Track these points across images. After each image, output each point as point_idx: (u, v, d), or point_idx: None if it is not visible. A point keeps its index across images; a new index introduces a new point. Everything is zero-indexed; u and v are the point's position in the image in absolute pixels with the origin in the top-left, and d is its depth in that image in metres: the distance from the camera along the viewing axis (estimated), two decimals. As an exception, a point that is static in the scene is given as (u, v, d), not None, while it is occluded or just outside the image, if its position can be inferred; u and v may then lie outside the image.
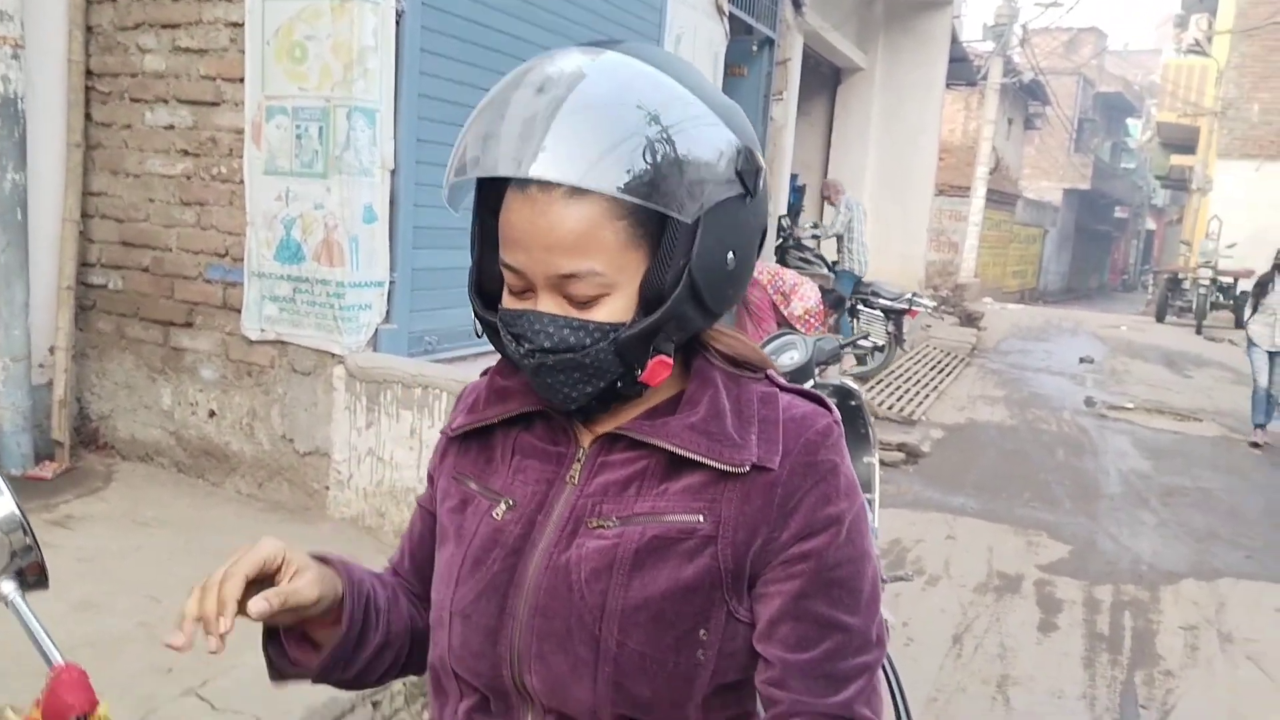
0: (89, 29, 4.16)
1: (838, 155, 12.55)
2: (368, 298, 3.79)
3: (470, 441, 1.02)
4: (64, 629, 2.78)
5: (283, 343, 3.87)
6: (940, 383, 9.61)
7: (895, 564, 4.69)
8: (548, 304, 0.86)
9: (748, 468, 0.89)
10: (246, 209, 3.86)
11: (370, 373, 3.65)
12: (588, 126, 0.80)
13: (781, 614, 0.89)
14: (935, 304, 11.97)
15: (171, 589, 3.12)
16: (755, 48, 7.86)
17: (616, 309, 0.85)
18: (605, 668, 0.88)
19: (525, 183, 0.82)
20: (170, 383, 4.18)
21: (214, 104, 3.90)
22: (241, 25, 3.76)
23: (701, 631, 0.89)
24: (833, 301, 6.94)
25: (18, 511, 0.90)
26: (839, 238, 9.27)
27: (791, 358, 3.71)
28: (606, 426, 0.95)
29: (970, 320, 14.42)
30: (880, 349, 8.68)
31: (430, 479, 1.08)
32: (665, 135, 0.80)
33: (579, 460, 0.95)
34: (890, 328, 8.92)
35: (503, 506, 0.96)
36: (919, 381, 9.32)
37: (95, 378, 4.39)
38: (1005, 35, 17.57)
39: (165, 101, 4.03)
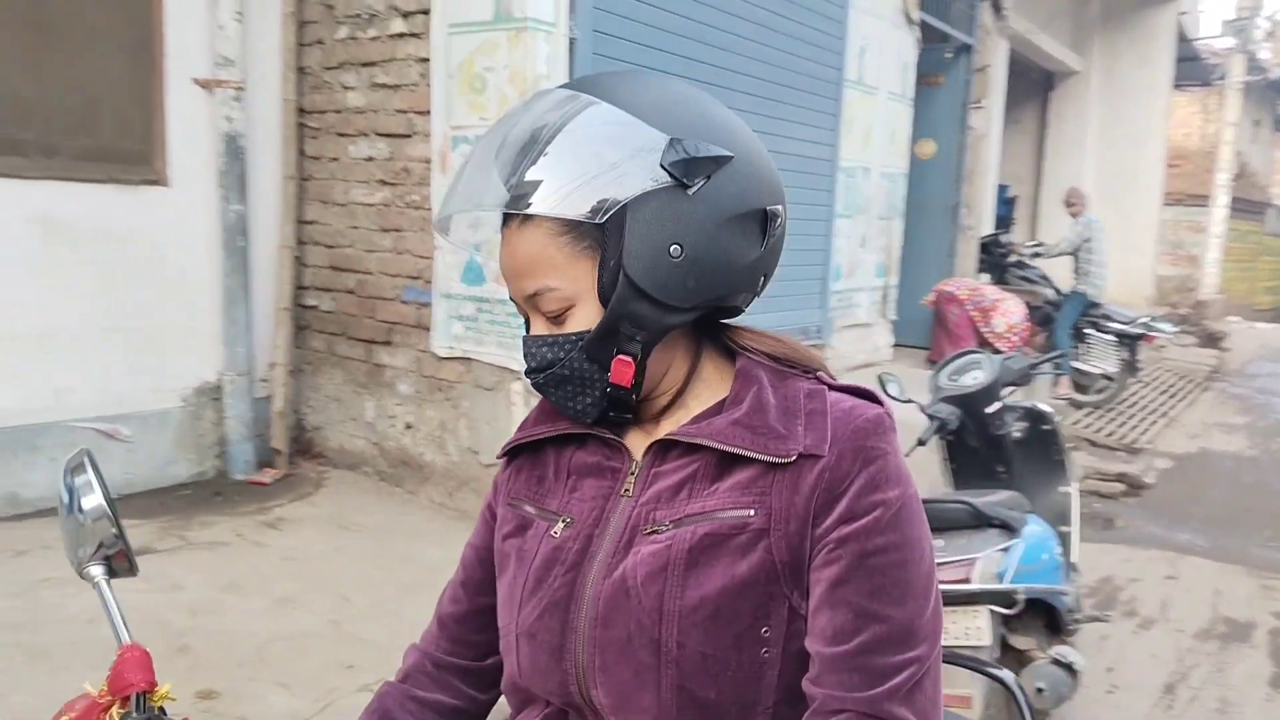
0: (300, 70, 4.56)
1: (1052, 164, 11.83)
2: (545, 316, 3.91)
3: (523, 466, 1.05)
4: (263, 622, 3.04)
5: (468, 359, 4.05)
6: (1171, 408, 8.78)
7: (1104, 603, 4.30)
8: (537, 325, 0.94)
9: (794, 457, 0.88)
10: (435, 234, 4.09)
11: (545, 388, 3.75)
12: (511, 161, 0.88)
13: (820, 603, 0.87)
14: (1176, 328, 10.64)
15: (362, 589, 3.33)
16: (950, 55, 7.55)
17: (584, 319, 0.90)
18: (668, 671, 0.87)
19: (502, 225, 0.92)
20: (373, 397, 4.47)
21: (406, 136, 4.17)
22: (429, 60, 4.00)
23: (764, 629, 0.87)
24: (1040, 319, 6.48)
25: (107, 506, 0.97)
26: (1074, 256, 8.25)
27: (975, 377, 3.51)
28: (657, 435, 0.96)
29: (1211, 340, 13.11)
30: (1110, 378, 7.98)
31: (483, 516, 1.09)
32: (558, 151, 0.86)
33: (633, 473, 0.96)
34: (1124, 354, 8.12)
35: (560, 525, 0.97)
36: (1146, 407, 8.56)
37: (309, 392, 4.77)
38: (1247, 29, 15.96)
39: (365, 135, 4.35)
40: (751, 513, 0.88)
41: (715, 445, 0.91)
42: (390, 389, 4.39)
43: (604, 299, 0.88)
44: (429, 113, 4.02)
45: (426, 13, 4.00)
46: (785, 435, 0.90)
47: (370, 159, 4.35)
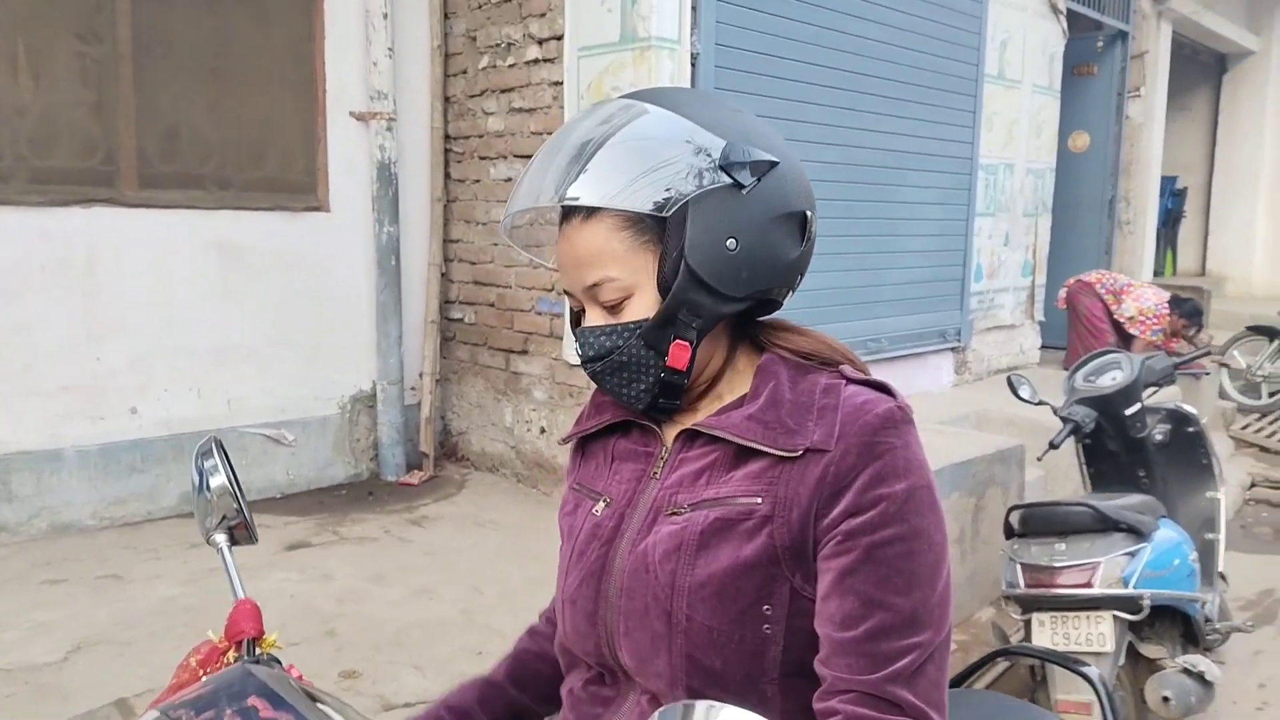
0: (446, 99, 4.88)
1: (1225, 152, 11.05)
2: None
3: (584, 454, 1.16)
4: (402, 610, 3.30)
5: (597, 366, 4.22)
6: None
7: (1264, 617, 4.05)
8: (593, 316, 1.01)
9: (800, 452, 0.95)
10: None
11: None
12: (596, 164, 0.96)
13: (830, 590, 0.93)
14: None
15: (493, 582, 3.54)
16: (1102, 43, 7.22)
17: (642, 307, 0.98)
18: (678, 640, 0.97)
19: (561, 222, 1.01)
20: (511, 403, 4.72)
21: (539, 156, 4.39)
22: (561, 84, 4.21)
23: (765, 607, 0.95)
24: (1187, 311, 6.07)
25: (230, 485, 1.16)
26: None
27: (1114, 378, 3.39)
28: (687, 424, 1.05)
29: None
30: None
31: None
32: (622, 151, 0.95)
33: (663, 458, 1.06)
34: None
35: (601, 504, 1.08)
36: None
37: (454, 399, 5.08)
38: None
39: (504, 157, 4.61)
40: (759, 500, 0.96)
41: (731, 438, 0.99)
42: (526, 395, 4.63)
43: (663, 288, 0.97)
44: (558, 133, 4.23)
45: (560, 38, 4.21)
46: (795, 430, 0.97)
47: (509, 180, 4.61)
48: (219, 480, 1.16)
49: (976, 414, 5.41)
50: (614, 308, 0.99)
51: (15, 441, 3.69)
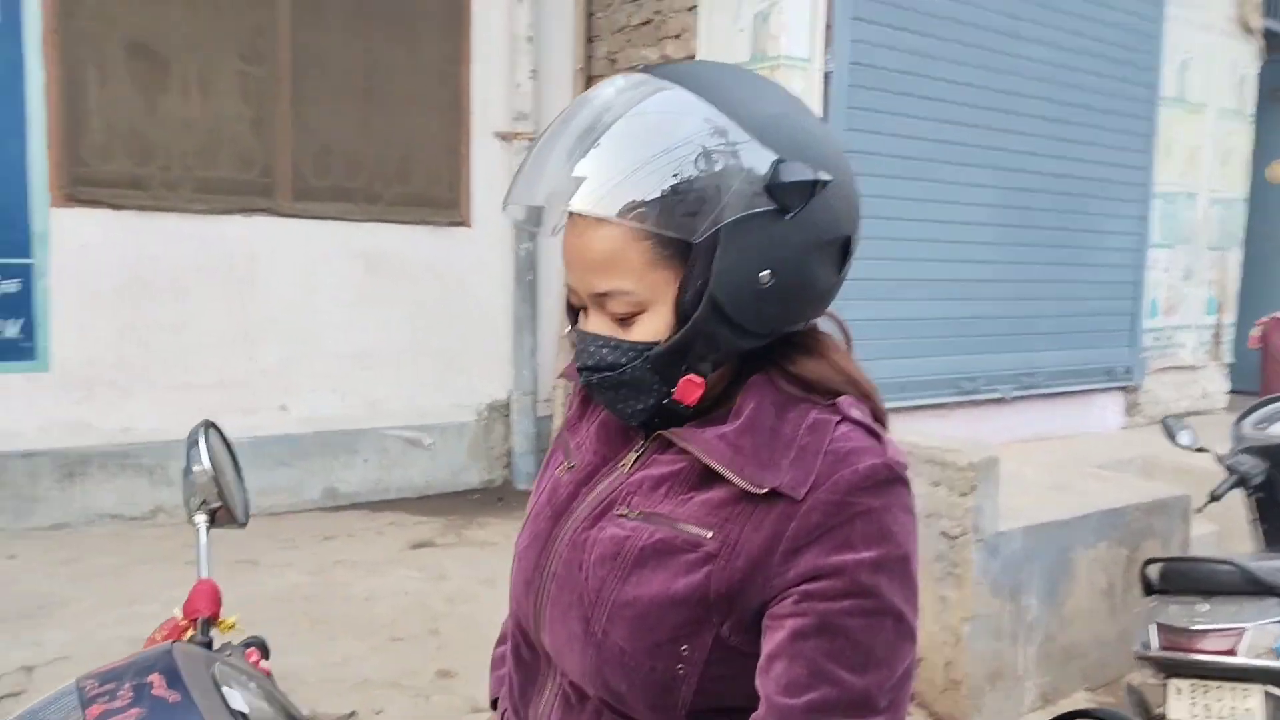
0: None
1: None
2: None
3: (581, 404, 1.07)
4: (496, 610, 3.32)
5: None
6: None
7: None
8: (596, 321, 0.90)
9: (765, 490, 0.84)
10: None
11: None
12: (603, 157, 0.84)
13: (778, 650, 0.83)
14: None
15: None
16: (1309, 62, 6.56)
17: (654, 327, 0.87)
18: (590, 650, 0.89)
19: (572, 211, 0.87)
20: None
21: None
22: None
23: (684, 647, 0.86)
24: None
25: (211, 468, 1.19)
26: None
27: (1290, 426, 3.05)
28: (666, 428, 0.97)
29: None
30: None
31: None
32: (670, 159, 0.81)
33: (636, 452, 0.97)
34: None
35: (566, 465, 1.01)
36: None
37: (586, 415, 5.13)
38: None
39: (639, 175, 4.64)
40: (709, 535, 0.86)
41: (697, 453, 0.88)
42: (654, 414, 4.61)
43: (681, 315, 0.85)
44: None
45: (692, 57, 4.21)
46: (766, 464, 0.85)
47: (644, 197, 4.63)
48: (201, 465, 1.20)
49: (1144, 459, 4.99)
50: (623, 320, 0.88)
51: (174, 430, 3.97)
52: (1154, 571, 2.76)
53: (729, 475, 0.86)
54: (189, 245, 4.01)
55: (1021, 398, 5.09)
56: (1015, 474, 4.01)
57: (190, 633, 1.12)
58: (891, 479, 0.85)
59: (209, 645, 1.11)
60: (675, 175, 0.81)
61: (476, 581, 3.58)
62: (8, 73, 3.64)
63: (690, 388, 0.88)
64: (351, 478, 4.43)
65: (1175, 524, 3.82)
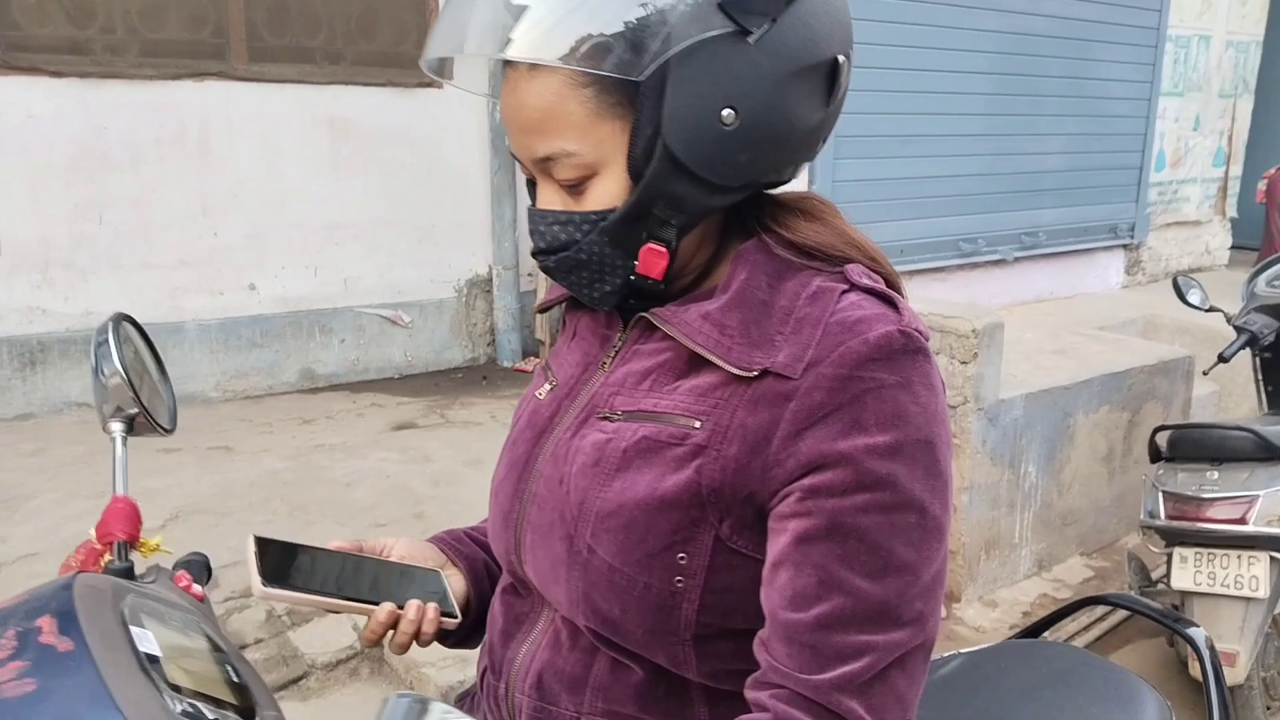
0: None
1: None
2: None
3: (563, 323, 0.97)
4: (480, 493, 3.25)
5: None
6: None
7: None
8: (546, 194, 0.79)
9: (756, 372, 0.72)
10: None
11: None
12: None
13: (782, 556, 0.72)
14: None
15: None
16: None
17: (607, 193, 0.75)
18: (575, 573, 0.78)
19: (505, 65, 0.77)
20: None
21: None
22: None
23: (680, 555, 0.74)
24: None
25: (123, 370, 1.02)
26: None
27: (1300, 288, 2.93)
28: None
29: None
30: None
31: None
32: None
33: (616, 346, 0.85)
34: None
35: (547, 387, 0.90)
36: None
37: (571, 286, 4.95)
38: None
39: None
40: (698, 424, 0.75)
41: (679, 336, 0.77)
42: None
43: (635, 173, 0.74)
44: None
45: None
46: (757, 342, 0.74)
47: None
48: (111, 366, 1.03)
49: (1144, 319, 4.88)
50: (574, 188, 0.76)
51: (136, 312, 3.69)
52: (1163, 438, 2.67)
53: (713, 359, 0.74)
54: (139, 114, 3.73)
55: (1022, 258, 4.93)
56: (1016, 339, 3.90)
57: (107, 558, 0.98)
58: (910, 349, 0.72)
59: (129, 572, 0.97)
60: (607, 4, 0.69)
61: (461, 463, 3.48)
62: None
63: (652, 258, 0.75)
64: (329, 359, 4.28)
65: (1177, 386, 3.73)
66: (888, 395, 0.70)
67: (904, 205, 4.28)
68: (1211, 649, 1.24)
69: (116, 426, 1.05)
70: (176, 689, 0.68)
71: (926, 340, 0.74)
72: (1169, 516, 2.49)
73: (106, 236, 3.75)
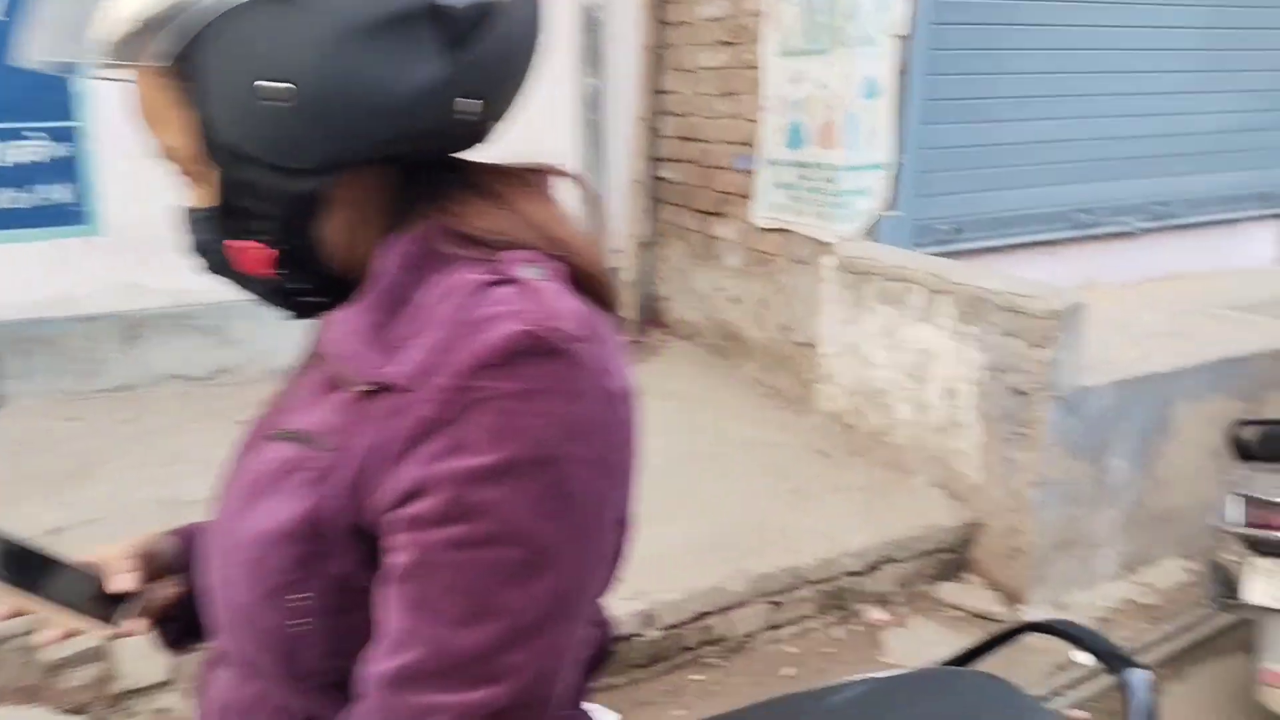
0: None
1: None
2: (865, 182, 3.51)
3: None
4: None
5: (787, 231, 3.81)
6: None
7: None
8: (193, 191, 0.73)
9: (373, 385, 0.64)
10: (760, 95, 3.85)
11: (855, 263, 3.41)
12: None
13: (382, 596, 0.64)
14: None
15: (651, 453, 3.38)
16: None
17: (213, 187, 0.70)
18: (222, 607, 0.73)
19: None
20: (706, 269, 4.44)
21: (743, -13, 3.93)
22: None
23: (299, 595, 0.66)
24: None
25: None
26: None
27: None
28: None
29: None
30: None
31: None
32: None
33: (309, 354, 0.80)
34: None
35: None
36: None
37: (660, 263, 4.86)
38: None
39: (712, -9, 4.18)
40: (332, 445, 0.67)
41: (323, 346, 0.71)
42: (719, 261, 4.31)
43: (217, 164, 0.68)
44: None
45: None
46: (386, 348, 0.65)
47: (716, 19, 4.18)
48: None
49: (1292, 298, 4.35)
50: (199, 183, 0.71)
51: (229, 292, 3.99)
52: (1250, 434, 2.37)
53: (339, 368, 0.66)
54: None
55: (1152, 230, 4.48)
56: (1128, 320, 3.56)
57: None
58: (540, 351, 0.61)
59: None
60: None
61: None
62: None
63: (252, 254, 0.68)
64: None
65: (1312, 374, 3.31)
66: (498, 407, 0.60)
67: (1008, 173, 3.96)
68: (1152, 695, 1.06)
69: None
70: None
71: (574, 341, 0.62)
72: (1249, 523, 2.20)
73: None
